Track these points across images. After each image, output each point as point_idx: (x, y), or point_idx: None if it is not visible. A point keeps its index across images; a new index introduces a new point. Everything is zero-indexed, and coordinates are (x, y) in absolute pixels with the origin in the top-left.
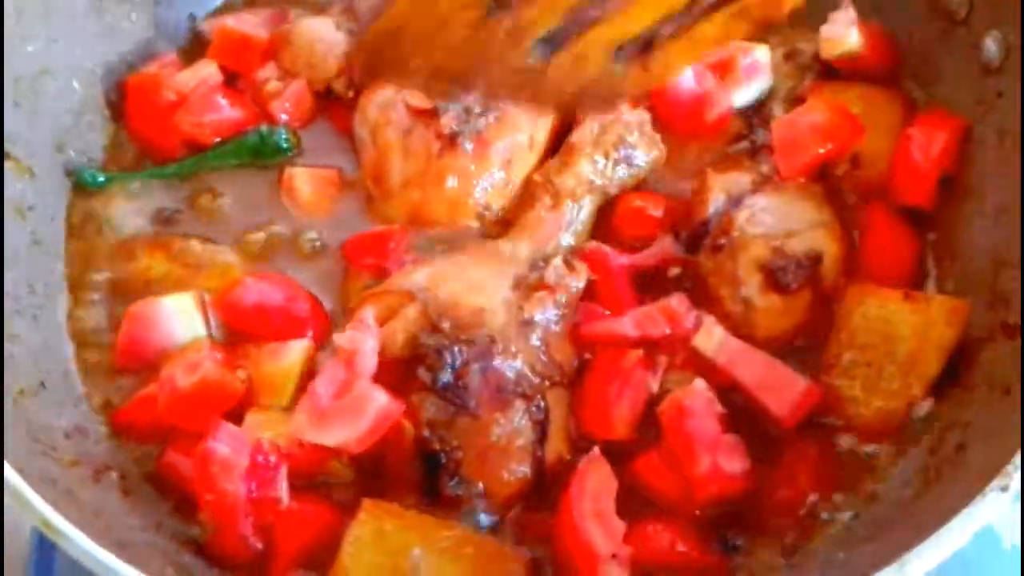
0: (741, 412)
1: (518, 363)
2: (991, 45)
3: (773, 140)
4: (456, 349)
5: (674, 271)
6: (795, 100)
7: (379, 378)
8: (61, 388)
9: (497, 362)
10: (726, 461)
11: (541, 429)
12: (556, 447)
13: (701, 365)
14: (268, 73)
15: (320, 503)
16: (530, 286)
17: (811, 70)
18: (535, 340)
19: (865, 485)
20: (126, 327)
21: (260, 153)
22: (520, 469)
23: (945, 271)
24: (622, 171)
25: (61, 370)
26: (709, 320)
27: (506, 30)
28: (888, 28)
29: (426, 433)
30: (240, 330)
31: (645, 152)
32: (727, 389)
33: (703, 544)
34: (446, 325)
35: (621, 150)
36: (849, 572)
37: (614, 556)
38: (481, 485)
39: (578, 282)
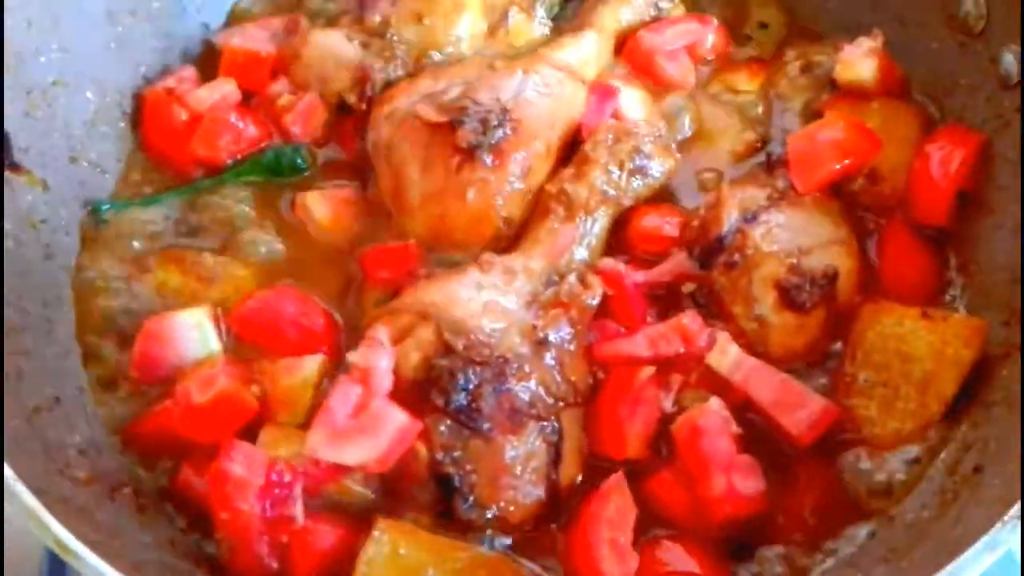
0: (755, 431)
1: (532, 384)
2: (1009, 59)
3: (789, 155)
4: (470, 371)
5: (688, 287)
6: (812, 114)
7: (392, 398)
8: (75, 404)
9: (511, 384)
10: (741, 482)
11: (555, 451)
12: (570, 469)
13: (716, 383)
14: (280, 88)
15: (335, 522)
16: (544, 303)
17: (827, 84)
18: (549, 360)
19: (881, 506)
20: (141, 342)
21: (276, 171)
22: (534, 492)
23: (963, 287)
24: (637, 182)
25: (75, 385)
26: (723, 337)
27: None
28: (905, 42)
29: (440, 456)
30: (253, 343)
31: (660, 162)
32: (741, 408)
33: (716, 564)
34: (460, 346)
35: (636, 160)
36: None
37: None
38: (495, 508)
39: (593, 299)
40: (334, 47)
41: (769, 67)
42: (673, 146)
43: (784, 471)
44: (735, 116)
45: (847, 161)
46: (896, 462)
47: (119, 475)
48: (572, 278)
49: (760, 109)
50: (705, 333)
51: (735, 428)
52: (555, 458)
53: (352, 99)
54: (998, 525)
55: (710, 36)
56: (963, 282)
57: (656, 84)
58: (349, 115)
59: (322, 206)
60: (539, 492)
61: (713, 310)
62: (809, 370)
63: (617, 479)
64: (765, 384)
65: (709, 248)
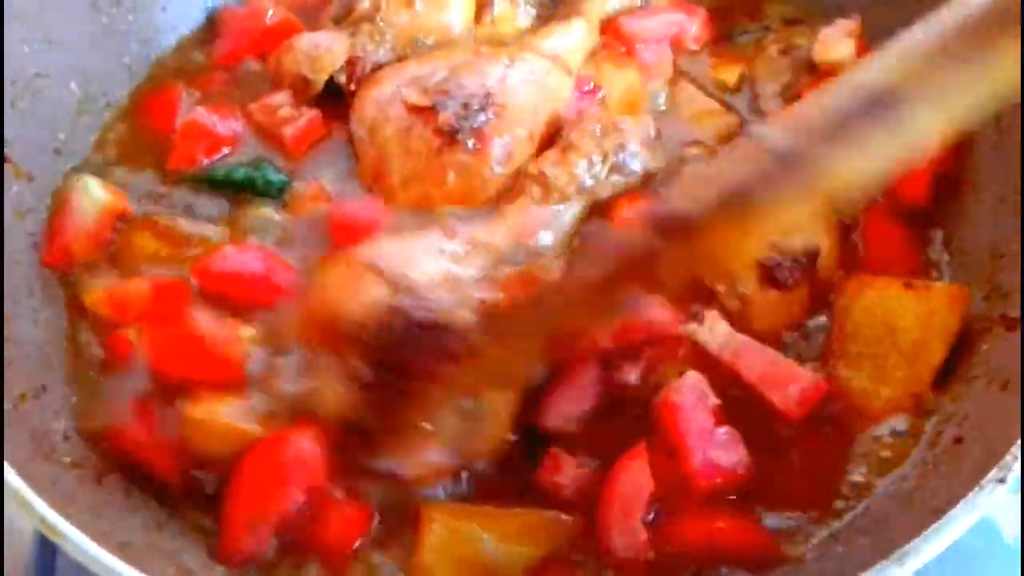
0: (743, 405)
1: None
2: None
3: None
4: (410, 331)
5: None
6: (791, 96)
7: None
8: (60, 392)
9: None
10: (720, 454)
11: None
12: (482, 445)
13: (703, 359)
14: (282, 99)
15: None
16: (496, 281)
17: (807, 67)
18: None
19: (863, 478)
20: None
21: (250, 188)
22: (439, 457)
23: (947, 263)
24: (616, 177)
25: (61, 372)
26: (711, 314)
27: None
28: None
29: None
30: (219, 296)
31: (642, 161)
32: (730, 384)
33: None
34: (407, 305)
35: (620, 155)
36: (847, 565)
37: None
38: (394, 464)
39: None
40: (323, 39)
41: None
42: (658, 148)
43: (774, 444)
44: (714, 99)
45: None
46: (884, 431)
47: (105, 461)
48: (532, 257)
49: (740, 92)
50: (669, 320)
51: (714, 400)
52: (471, 432)
53: (343, 79)
54: (976, 489)
55: (695, 27)
56: (947, 259)
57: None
58: (340, 98)
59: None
60: (443, 458)
61: (695, 289)
62: (794, 342)
63: (636, 453)
64: (754, 360)
65: None
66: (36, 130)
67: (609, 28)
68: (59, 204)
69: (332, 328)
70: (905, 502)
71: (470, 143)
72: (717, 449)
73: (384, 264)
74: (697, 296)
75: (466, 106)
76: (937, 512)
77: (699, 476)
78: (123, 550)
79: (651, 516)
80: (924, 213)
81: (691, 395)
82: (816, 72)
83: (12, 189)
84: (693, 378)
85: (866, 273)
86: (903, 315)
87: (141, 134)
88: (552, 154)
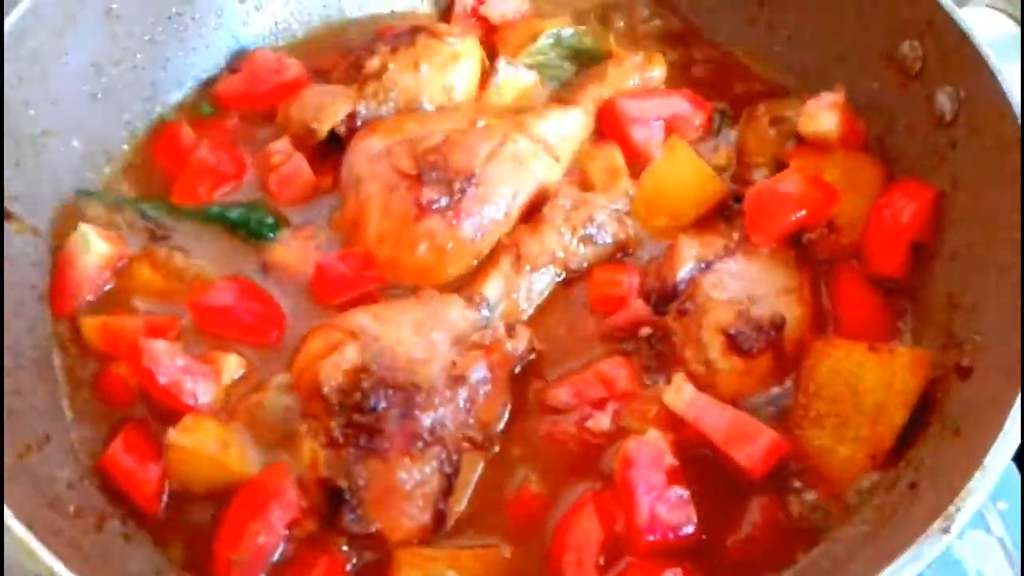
0: (712, 465)
1: (439, 415)
2: (942, 99)
3: (745, 206)
4: (381, 392)
5: (645, 331)
6: (779, 166)
7: (306, 399)
8: (63, 440)
9: (417, 412)
10: (667, 513)
11: (448, 483)
12: (458, 504)
13: (670, 420)
14: (280, 147)
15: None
16: (469, 344)
17: (793, 137)
18: (462, 397)
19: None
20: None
21: (244, 228)
22: (420, 517)
23: (908, 330)
24: (585, 249)
25: (63, 422)
26: (679, 377)
27: None
28: (848, 82)
29: (334, 467)
30: (210, 330)
31: (611, 233)
32: (698, 444)
33: None
34: (378, 368)
35: (588, 228)
36: None
37: None
38: (378, 524)
39: (516, 347)
40: (329, 89)
41: (740, 119)
42: (629, 222)
43: (736, 502)
44: (706, 167)
45: (803, 214)
46: (851, 494)
47: (105, 507)
48: (500, 324)
49: (730, 162)
50: (623, 374)
51: (671, 461)
52: (446, 489)
53: (342, 130)
54: (921, 538)
55: (690, 112)
56: (911, 310)
57: (624, 149)
58: (338, 147)
59: (292, 258)
60: (424, 518)
61: (666, 353)
62: (758, 404)
63: (583, 501)
64: (717, 420)
65: (665, 294)
66: (41, 186)
67: (605, 108)
68: (62, 258)
69: (310, 389)
70: (864, 545)
71: (445, 218)
72: (665, 507)
73: (361, 330)
74: (665, 361)
75: (449, 183)
76: (891, 556)
77: (644, 531)
78: None
79: (602, 561)
80: (898, 283)
81: (648, 452)
82: (803, 142)
83: (18, 244)
84: (653, 437)
85: (833, 336)
86: (866, 377)
87: (146, 171)
88: (525, 228)
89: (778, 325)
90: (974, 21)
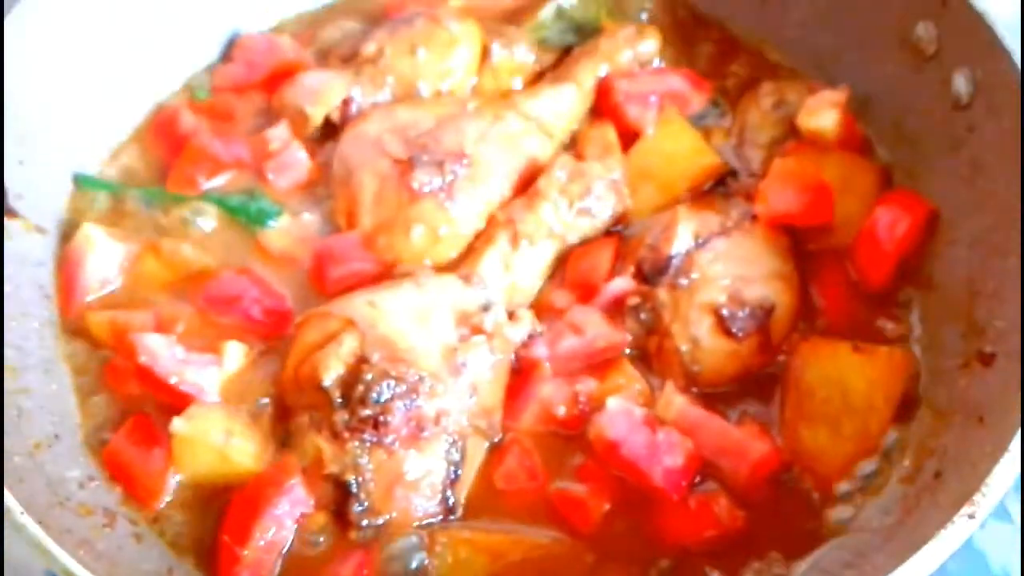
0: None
1: (443, 404)
2: (960, 82)
3: (766, 176)
4: (384, 384)
5: (633, 300)
6: (773, 153)
7: (305, 396)
8: (73, 439)
9: (421, 401)
10: (671, 457)
11: (455, 471)
12: (465, 490)
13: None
14: (277, 134)
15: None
16: (472, 328)
17: (791, 130)
18: (464, 384)
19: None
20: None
21: (243, 215)
22: (427, 506)
23: (922, 301)
24: (584, 221)
25: (73, 420)
26: (669, 387)
27: None
28: (864, 65)
29: (342, 460)
30: (216, 322)
31: (609, 206)
32: None
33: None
34: (379, 359)
35: (586, 200)
36: None
37: None
38: (387, 516)
39: (518, 332)
40: (325, 76)
41: (743, 96)
42: (625, 191)
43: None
44: (701, 140)
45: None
46: (855, 481)
47: (115, 506)
48: (500, 309)
49: (728, 136)
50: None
51: (640, 411)
52: (453, 478)
53: (336, 116)
54: (948, 526)
55: (688, 91)
56: (923, 296)
57: (618, 126)
58: (333, 134)
59: (282, 243)
60: (431, 506)
61: (651, 327)
62: (742, 396)
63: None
64: (708, 435)
65: (658, 266)
66: (44, 184)
67: (601, 86)
68: (68, 257)
69: (309, 381)
70: (888, 536)
71: (438, 201)
72: (667, 455)
73: (358, 318)
74: (652, 365)
75: (440, 164)
76: (916, 545)
77: (667, 490)
78: None
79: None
80: (884, 294)
81: (621, 422)
82: (799, 137)
83: (24, 243)
84: (615, 404)
85: (826, 329)
86: (852, 378)
87: (145, 160)
88: (519, 202)
89: (768, 309)
90: (989, 1)
